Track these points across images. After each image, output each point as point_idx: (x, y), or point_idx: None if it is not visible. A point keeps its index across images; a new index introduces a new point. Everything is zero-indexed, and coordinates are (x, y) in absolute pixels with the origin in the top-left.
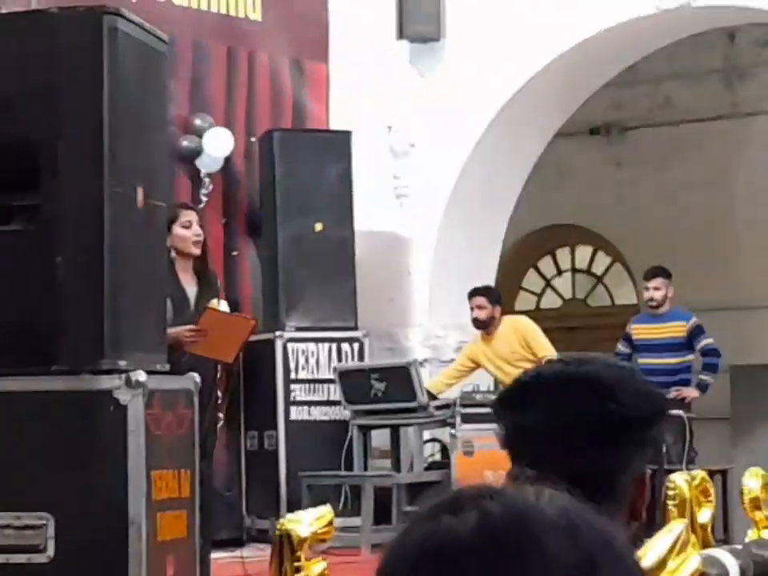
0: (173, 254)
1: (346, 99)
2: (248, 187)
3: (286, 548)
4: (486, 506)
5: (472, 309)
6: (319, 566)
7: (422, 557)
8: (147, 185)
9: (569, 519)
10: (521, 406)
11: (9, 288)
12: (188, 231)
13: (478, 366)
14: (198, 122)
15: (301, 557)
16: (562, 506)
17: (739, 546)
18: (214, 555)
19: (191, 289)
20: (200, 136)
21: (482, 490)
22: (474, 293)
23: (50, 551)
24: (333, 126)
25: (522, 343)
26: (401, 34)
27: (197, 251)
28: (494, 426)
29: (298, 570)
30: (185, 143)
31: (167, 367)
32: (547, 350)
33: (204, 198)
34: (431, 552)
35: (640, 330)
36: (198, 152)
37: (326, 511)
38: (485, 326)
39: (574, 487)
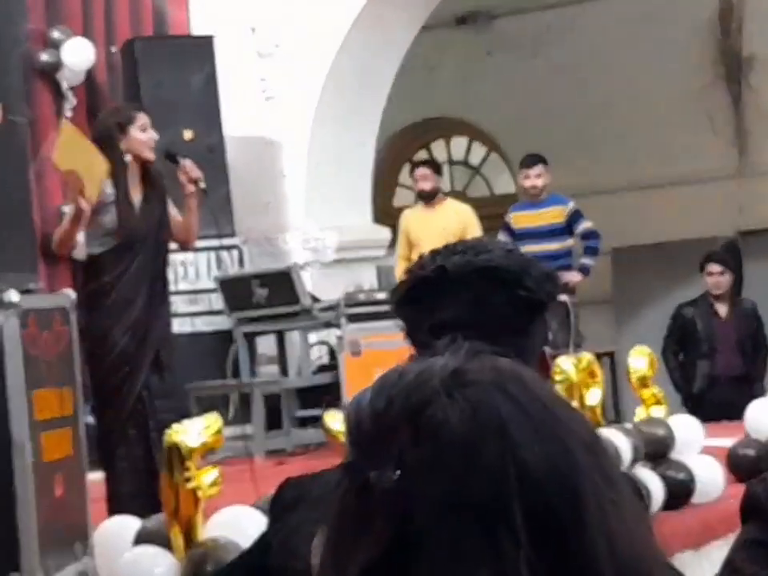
0: (128, 157)
1: (207, 2)
2: (112, 99)
3: (175, 459)
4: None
5: (416, 180)
6: (210, 474)
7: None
8: (5, 101)
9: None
10: (429, 301)
11: None
12: (145, 135)
13: (407, 234)
14: (55, 34)
15: (191, 467)
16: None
17: (629, 425)
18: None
19: (137, 194)
20: (59, 48)
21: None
22: (418, 164)
23: None
24: (195, 31)
25: (460, 227)
26: None
27: (152, 157)
28: (380, 323)
29: (188, 479)
30: (43, 57)
31: (40, 286)
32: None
33: (68, 113)
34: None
35: (519, 218)
36: (57, 65)
37: (213, 419)
38: (429, 198)
39: None
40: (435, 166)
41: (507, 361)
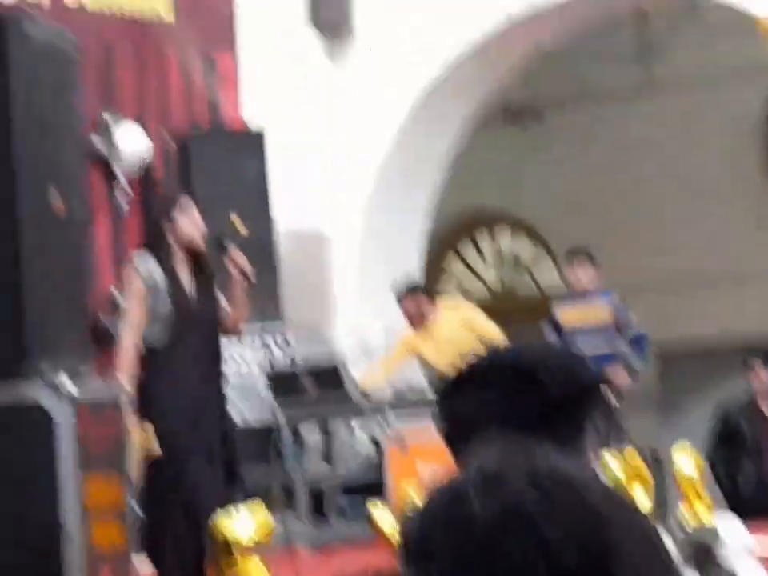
0: (175, 247)
1: (259, 91)
2: (170, 191)
3: (222, 551)
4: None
5: (402, 310)
6: (257, 565)
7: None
8: (62, 189)
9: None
10: (454, 397)
11: None
12: (195, 227)
13: (416, 355)
14: (110, 120)
15: (238, 559)
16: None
17: (675, 527)
18: None
19: (189, 283)
20: (113, 136)
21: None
22: (397, 295)
23: None
24: (246, 118)
25: (465, 327)
26: (313, 23)
27: (202, 246)
28: (426, 419)
29: (234, 569)
30: (97, 142)
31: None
32: (492, 332)
33: (123, 201)
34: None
35: (566, 314)
36: (110, 151)
37: (263, 514)
38: (417, 323)
39: None
40: (415, 292)
41: (546, 455)
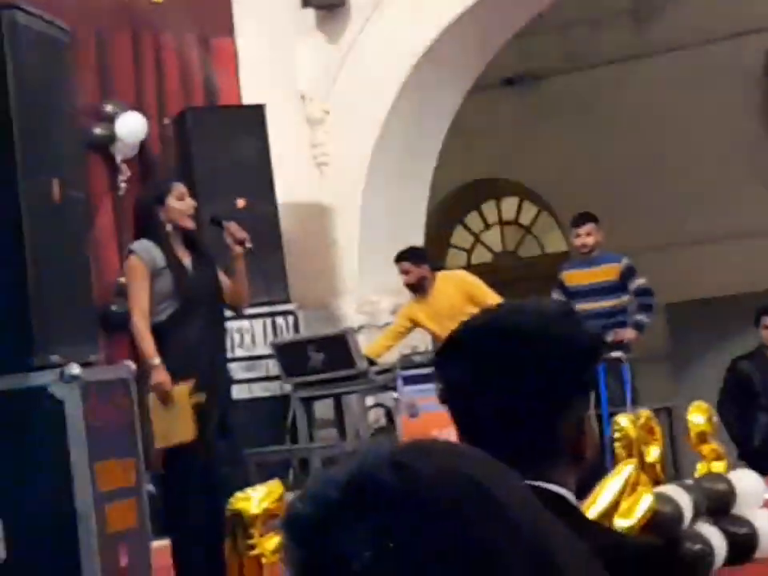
0: (168, 227)
1: (256, 71)
2: (165, 170)
3: (238, 526)
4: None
5: (401, 274)
6: (273, 541)
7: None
8: (62, 176)
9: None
10: (451, 361)
11: None
12: (183, 204)
13: (416, 325)
14: (108, 108)
15: (254, 534)
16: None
17: (690, 481)
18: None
19: (186, 260)
20: (112, 122)
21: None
22: (397, 259)
23: (2, 553)
24: (245, 100)
25: (464, 297)
26: (306, 2)
27: (192, 224)
28: (435, 385)
29: (251, 547)
30: (97, 131)
31: (100, 358)
32: (491, 298)
33: (122, 185)
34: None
35: (572, 276)
36: (111, 138)
37: (275, 485)
38: (417, 289)
39: (511, 434)
40: (415, 255)
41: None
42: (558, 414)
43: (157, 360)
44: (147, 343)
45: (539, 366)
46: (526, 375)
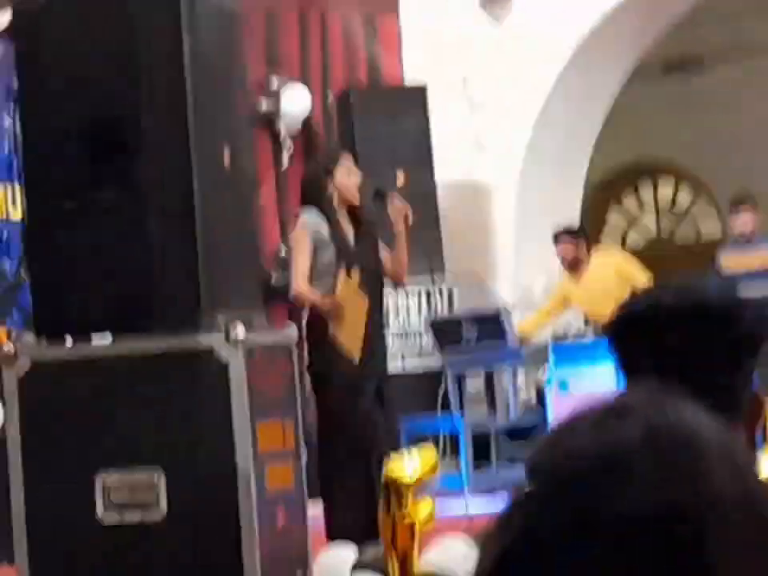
0: (335, 201)
1: (419, 53)
2: (327, 146)
3: (393, 493)
4: (652, 418)
5: (559, 251)
6: (426, 506)
7: (592, 460)
8: (232, 145)
9: (730, 454)
10: (641, 336)
11: (107, 254)
12: (350, 179)
13: (569, 305)
14: (274, 84)
15: (407, 501)
16: (721, 438)
17: None
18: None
19: (350, 234)
20: (277, 98)
21: (645, 402)
22: (556, 235)
23: (163, 508)
24: (407, 81)
25: (620, 278)
26: None
27: (357, 200)
28: (587, 363)
29: (405, 515)
30: (263, 105)
31: (264, 322)
32: (644, 281)
33: (286, 161)
34: (601, 455)
35: (729, 260)
36: (276, 113)
37: (429, 453)
38: (572, 267)
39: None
40: (574, 233)
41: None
42: (743, 389)
43: (327, 299)
44: (314, 295)
45: (725, 343)
46: (714, 351)
